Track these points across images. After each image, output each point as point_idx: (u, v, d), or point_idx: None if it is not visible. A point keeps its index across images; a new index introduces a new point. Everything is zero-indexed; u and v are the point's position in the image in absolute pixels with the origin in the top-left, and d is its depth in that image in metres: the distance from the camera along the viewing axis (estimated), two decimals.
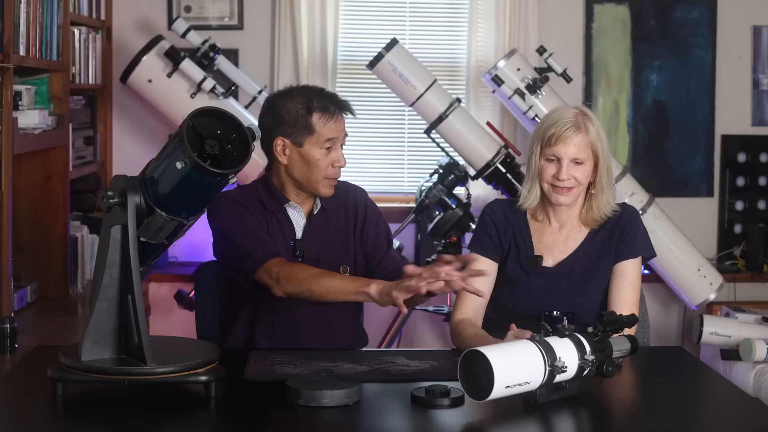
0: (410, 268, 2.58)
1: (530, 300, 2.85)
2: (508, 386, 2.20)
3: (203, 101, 4.38)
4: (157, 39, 4.47)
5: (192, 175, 2.24)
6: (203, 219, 2.59)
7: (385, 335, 4.48)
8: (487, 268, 2.90)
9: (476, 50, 4.99)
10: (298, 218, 2.94)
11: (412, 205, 4.95)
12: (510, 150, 4.45)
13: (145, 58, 4.42)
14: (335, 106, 2.86)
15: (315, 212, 2.94)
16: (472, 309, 2.88)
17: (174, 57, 4.40)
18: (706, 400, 2.54)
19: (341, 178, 2.96)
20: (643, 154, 5.23)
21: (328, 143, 2.84)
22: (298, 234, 2.93)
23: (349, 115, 2.91)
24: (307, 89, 2.91)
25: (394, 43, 4.37)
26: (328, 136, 2.84)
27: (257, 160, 4.39)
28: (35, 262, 3.90)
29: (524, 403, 2.28)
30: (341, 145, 2.89)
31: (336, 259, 2.96)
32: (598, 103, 5.16)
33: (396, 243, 4.57)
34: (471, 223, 4.46)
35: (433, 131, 4.47)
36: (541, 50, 4.58)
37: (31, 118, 3.62)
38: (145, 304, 4.62)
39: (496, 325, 2.80)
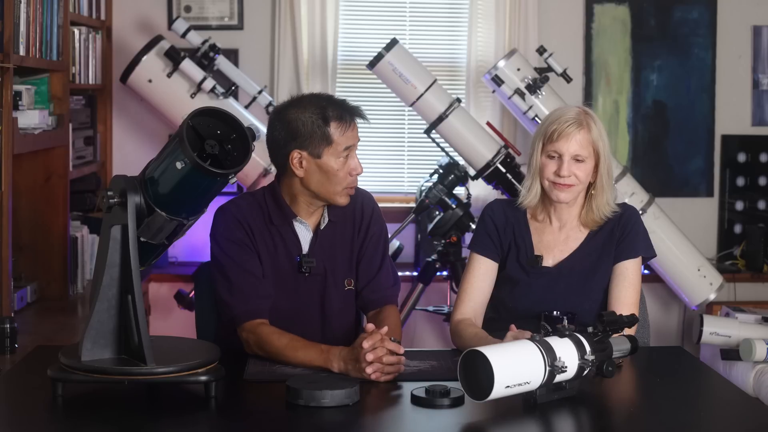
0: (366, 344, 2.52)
1: (530, 300, 2.85)
2: (508, 386, 2.20)
3: (203, 101, 4.38)
4: (157, 39, 4.47)
5: (192, 175, 2.24)
6: (203, 219, 2.59)
7: None
8: (486, 268, 2.91)
9: (476, 50, 4.99)
10: (304, 232, 2.87)
11: (412, 205, 4.95)
12: (510, 150, 4.45)
13: (145, 58, 4.42)
14: (348, 114, 2.79)
15: (322, 227, 2.88)
16: (472, 309, 2.88)
17: (174, 57, 4.39)
18: (706, 400, 2.54)
19: None
20: (643, 154, 5.23)
21: (345, 152, 2.78)
22: (305, 249, 2.87)
23: (361, 120, 2.85)
24: (317, 98, 2.82)
25: (394, 43, 4.37)
26: (346, 144, 2.78)
27: (257, 160, 4.40)
28: (35, 262, 3.90)
29: (524, 403, 2.28)
30: (355, 151, 2.84)
31: (342, 273, 2.91)
32: (598, 103, 5.15)
33: (396, 243, 4.58)
34: (471, 223, 4.46)
35: (433, 131, 4.46)
36: (541, 50, 4.58)
37: (31, 118, 3.62)
38: (145, 304, 4.62)
39: (496, 325, 2.80)
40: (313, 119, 2.75)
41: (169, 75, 4.43)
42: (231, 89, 4.54)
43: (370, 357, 2.48)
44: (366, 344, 2.49)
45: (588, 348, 2.32)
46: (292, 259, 2.86)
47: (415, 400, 2.30)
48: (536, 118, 4.43)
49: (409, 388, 2.37)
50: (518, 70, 4.51)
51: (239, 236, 2.82)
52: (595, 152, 2.82)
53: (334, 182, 2.79)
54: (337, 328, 2.91)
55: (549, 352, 2.26)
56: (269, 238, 2.85)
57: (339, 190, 2.80)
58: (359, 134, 2.88)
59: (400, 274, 3.10)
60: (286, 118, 2.78)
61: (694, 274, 4.72)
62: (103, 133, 4.89)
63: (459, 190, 4.60)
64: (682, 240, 4.72)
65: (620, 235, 2.88)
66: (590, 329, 2.36)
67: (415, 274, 4.79)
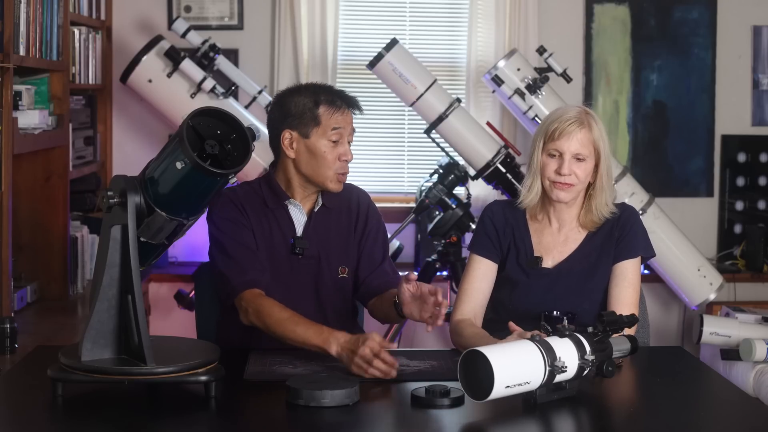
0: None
1: (530, 301, 2.85)
2: (508, 386, 2.20)
3: (203, 101, 4.38)
4: (157, 39, 4.47)
5: (192, 175, 2.24)
6: (203, 219, 2.59)
7: (385, 335, 4.48)
8: (486, 269, 2.91)
9: (476, 50, 4.99)
10: (298, 215, 2.94)
11: (412, 205, 4.95)
12: (510, 150, 4.45)
13: (145, 58, 4.42)
14: (342, 101, 2.88)
15: (316, 210, 2.94)
16: (472, 309, 2.88)
17: (174, 57, 4.40)
18: (706, 400, 2.54)
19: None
20: (643, 154, 5.23)
21: (334, 134, 2.84)
22: (299, 231, 2.93)
23: (356, 112, 2.92)
24: (315, 85, 2.94)
25: (394, 43, 4.37)
26: (334, 125, 2.84)
27: (257, 160, 4.39)
28: (35, 262, 3.90)
29: (524, 403, 2.28)
30: (348, 142, 2.89)
31: (336, 259, 2.96)
32: (598, 103, 5.15)
33: (396, 243, 4.58)
34: (471, 223, 4.46)
35: (433, 131, 4.47)
36: (541, 50, 4.58)
37: (31, 118, 3.62)
38: (145, 304, 4.62)
39: (496, 326, 2.79)
40: (305, 101, 2.86)
41: (169, 75, 4.43)
42: (231, 89, 4.54)
43: (366, 351, 2.47)
44: (366, 350, 2.48)
45: (588, 348, 2.32)
46: (286, 241, 2.92)
47: (415, 400, 2.30)
48: (536, 118, 4.43)
49: (409, 388, 2.37)
50: (518, 70, 4.51)
51: (234, 215, 2.89)
52: (596, 152, 2.82)
53: (324, 165, 2.85)
54: (331, 315, 2.94)
55: (549, 352, 2.26)
56: (264, 221, 2.91)
57: (329, 174, 2.86)
58: (358, 129, 2.95)
59: (399, 274, 3.11)
60: (282, 100, 2.91)
61: (694, 274, 4.72)
62: (103, 133, 4.89)
63: (459, 190, 4.59)
64: (682, 240, 4.72)
65: (619, 235, 2.88)
66: (590, 329, 2.36)
67: (415, 274, 4.78)
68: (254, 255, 2.87)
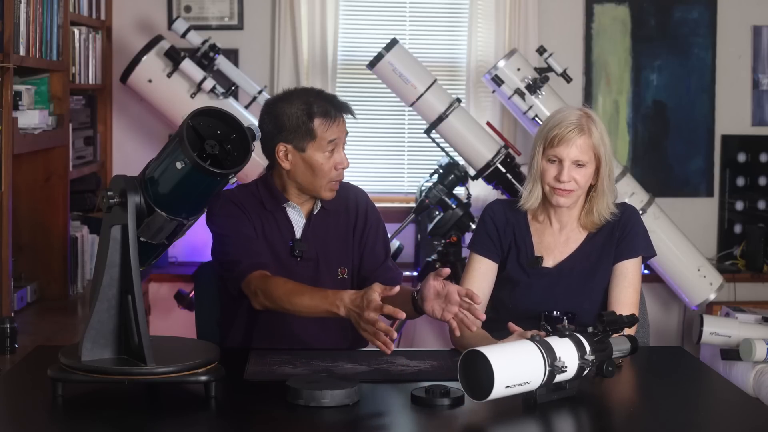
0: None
1: (530, 301, 2.85)
2: (508, 386, 2.20)
3: (203, 101, 4.38)
4: (157, 39, 4.47)
5: (192, 175, 2.24)
6: (203, 219, 2.59)
7: None
8: (486, 268, 2.91)
9: (476, 50, 4.99)
10: (297, 218, 2.94)
11: (412, 205, 4.95)
12: (510, 150, 4.45)
13: (145, 58, 4.43)
14: (335, 109, 2.85)
15: (315, 212, 2.95)
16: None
17: (174, 57, 4.40)
18: (706, 400, 2.54)
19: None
20: (643, 154, 5.23)
21: (330, 145, 2.83)
22: (297, 234, 2.93)
23: (350, 116, 2.91)
24: (306, 92, 2.89)
25: (394, 43, 4.37)
26: (330, 138, 2.83)
27: (257, 160, 4.39)
28: (35, 262, 3.90)
29: (524, 403, 2.28)
30: (342, 145, 2.89)
31: (335, 261, 2.96)
32: (598, 103, 5.16)
33: (396, 243, 4.58)
34: (471, 223, 4.46)
35: (433, 131, 4.47)
36: (541, 50, 4.58)
37: (31, 118, 3.62)
38: (145, 304, 4.62)
39: (496, 325, 2.79)
40: (298, 114, 2.83)
41: (169, 75, 4.43)
42: (231, 89, 4.54)
43: (371, 315, 2.48)
44: (371, 314, 2.48)
45: (588, 348, 2.32)
46: (285, 244, 2.92)
47: (415, 400, 2.30)
48: (536, 118, 4.43)
49: (409, 388, 2.37)
50: (518, 70, 4.51)
51: (235, 212, 2.90)
52: (596, 156, 2.82)
53: (320, 176, 2.85)
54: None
55: (549, 352, 2.26)
56: (263, 223, 2.91)
57: (324, 183, 2.86)
58: (354, 130, 2.92)
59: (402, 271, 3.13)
60: (274, 112, 2.87)
61: (694, 274, 4.72)
62: (103, 133, 4.89)
63: (459, 190, 4.60)
64: (682, 240, 4.72)
65: (620, 235, 2.88)
66: (590, 329, 2.36)
67: (415, 274, 4.79)
68: (258, 243, 2.88)
